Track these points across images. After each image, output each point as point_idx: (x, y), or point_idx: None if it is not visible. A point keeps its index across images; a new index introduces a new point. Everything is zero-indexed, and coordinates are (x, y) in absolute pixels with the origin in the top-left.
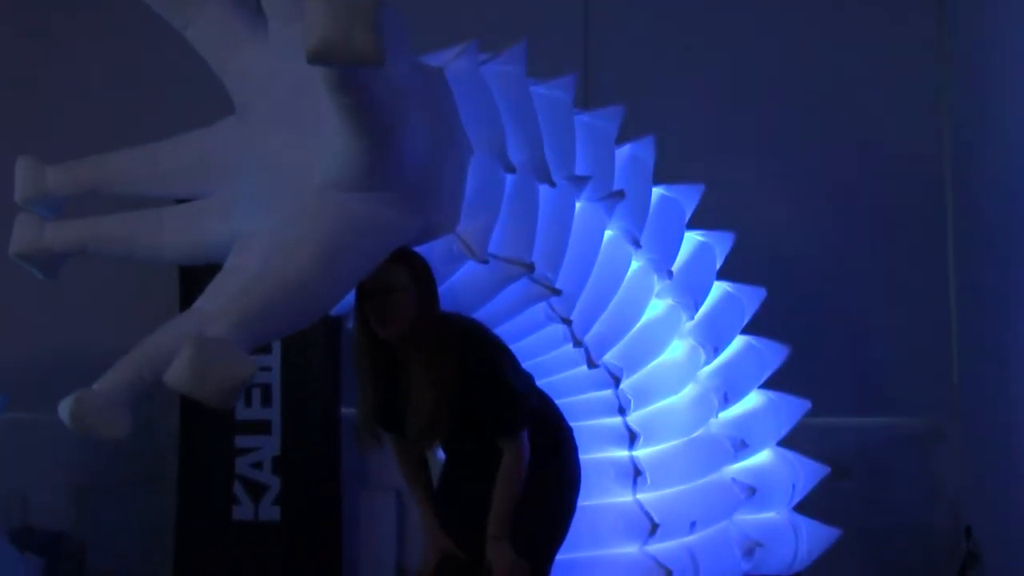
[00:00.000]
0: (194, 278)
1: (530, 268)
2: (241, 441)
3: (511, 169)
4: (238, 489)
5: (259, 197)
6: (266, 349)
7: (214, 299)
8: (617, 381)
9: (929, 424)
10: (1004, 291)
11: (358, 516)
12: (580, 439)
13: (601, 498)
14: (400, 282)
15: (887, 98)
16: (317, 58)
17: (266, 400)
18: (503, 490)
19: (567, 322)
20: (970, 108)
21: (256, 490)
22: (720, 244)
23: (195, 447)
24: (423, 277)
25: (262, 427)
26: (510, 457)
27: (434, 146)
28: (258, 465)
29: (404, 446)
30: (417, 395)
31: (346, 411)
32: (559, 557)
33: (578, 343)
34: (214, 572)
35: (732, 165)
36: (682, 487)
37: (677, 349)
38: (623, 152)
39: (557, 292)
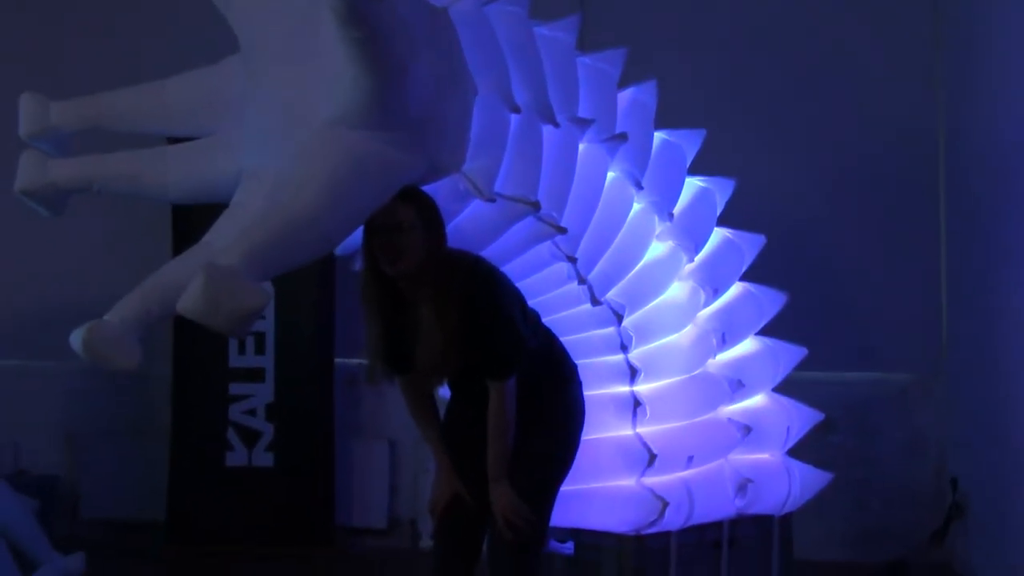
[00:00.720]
0: (187, 231)
1: (536, 206)
2: (235, 388)
3: (516, 109)
4: (231, 436)
5: (265, 134)
6: None
7: (223, 234)
8: (619, 318)
9: (916, 379)
10: (993, 250)
11: (351, 464)
12: (583, 376)
13: (602, 432)
14: (408, 220)
15: (887, 60)
16: None
17: (260, 348)
18: (493, 432)
19: (572, 260)
20: (963, 74)
21: (249, 437)
22: (721, 190)
23: (188, 394)
24: (430, 215)
25: (256, 375)
26: (496, 399)
27: (440, 85)
28: (251, 412)
29: (412, 386)
30: (426, 333)
31: (339, 360)
32: (572, 493)
33: (582, 280)
34: (207, 518)
35: (731, 120)
36: (680, 423)
37: (677, 290)
38: (625, 96)
39: (563, 230)
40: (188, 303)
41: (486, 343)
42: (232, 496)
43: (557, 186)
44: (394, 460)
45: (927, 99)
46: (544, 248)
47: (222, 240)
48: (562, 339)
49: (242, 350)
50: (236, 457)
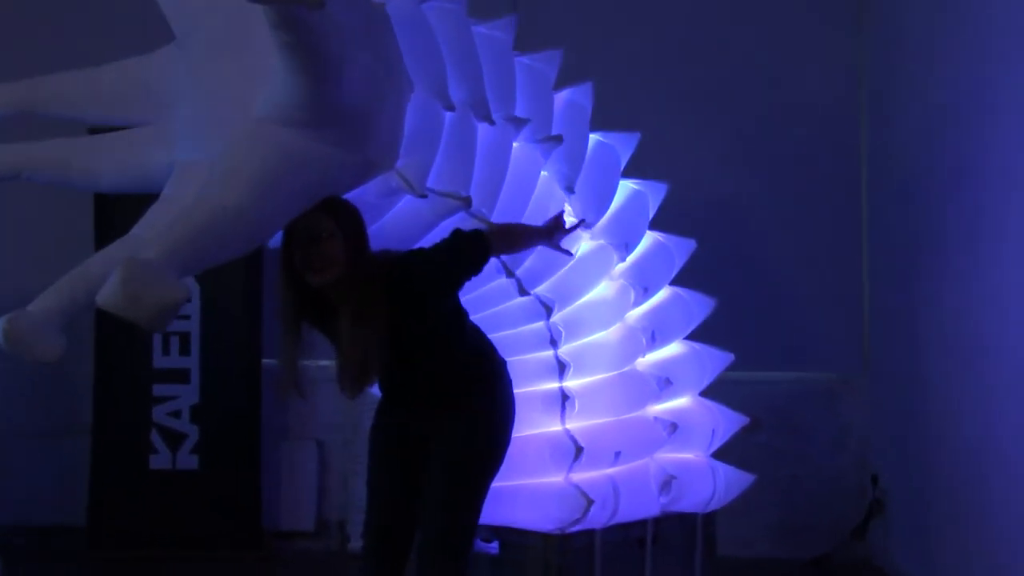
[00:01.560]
0: (110, 223)
1: (467, 202)
2: (159, 390)
3: (451, 107)
4: (155, 438)
5: (198, 127)
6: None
7: (151, 226)
8: (549, 311)
9: (838, 378)
10: (914, 249)
11: (278, 466)
12: (513, 373)
13: (530, 429)
14: (327, 228)
15: (809, 62)
16: None
17: (185, 349)
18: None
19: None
20: (885, 75)
21: (174, 439)
22: (654, 193)
23: (111, 395)
24: (350, 221)
25: (180, 376)
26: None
27: (375, 83)
28: (176, 414)
29: None
30: (348, 339)
31: (267, 361)
32: (500, 489)
33: (511, 274)
34: (130, 522)
35: (658, 120)
36: (608, 419)
37: (608, 288)
38: (561, 97)
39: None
40: (107, 296)
41: (435, 260)
42: (156, 500)
43: (489, 183)
44: (323, 461)
45: (849, 102)
46: None
47: (150, 232)
48: (492, 336)
49: (166, 350)
50: (160, 460)
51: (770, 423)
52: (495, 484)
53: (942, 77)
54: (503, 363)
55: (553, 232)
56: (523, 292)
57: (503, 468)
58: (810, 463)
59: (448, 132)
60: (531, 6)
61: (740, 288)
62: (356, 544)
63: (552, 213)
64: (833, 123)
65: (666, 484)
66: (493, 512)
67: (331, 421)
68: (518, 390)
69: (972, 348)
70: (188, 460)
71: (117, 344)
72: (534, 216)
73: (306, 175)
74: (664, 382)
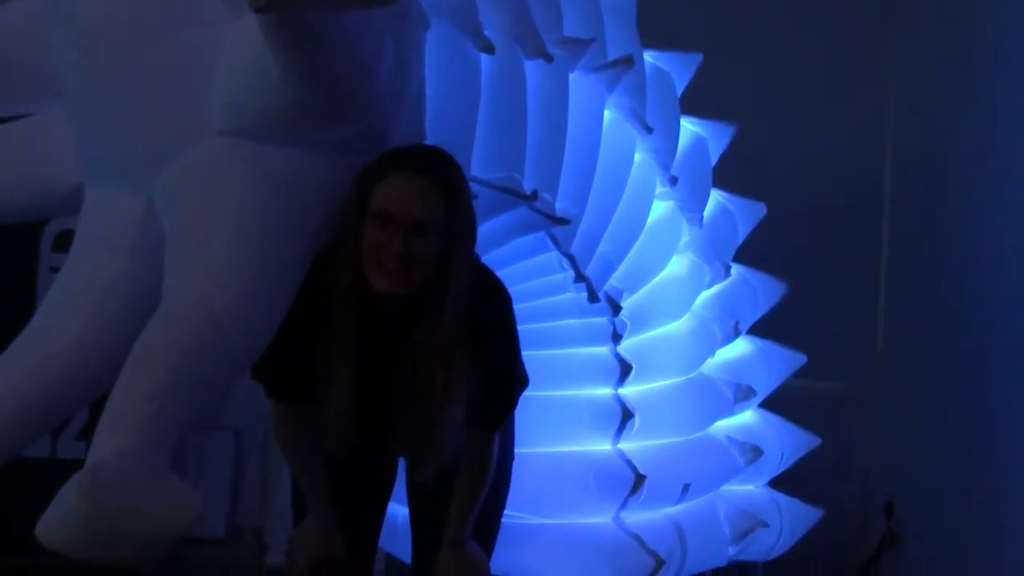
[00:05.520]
0: None
1: (531, 198)
2: None
3: (489, 47)
4: None
5: (116, 147)
6: None
7: (67, 313)
8: (617, 309)
9: (847, 388)
10: (934, 259)
11: (184, 460)
12: (550, 368)
13: (567, 445)
14: (437, 217)
15: (830, 77)
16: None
17: None
18: (471, 487)
19: (570, 257)
20: (912, 88)
21: None
22: (716, 139)
23: None
24: (467, 223)
25: None
26: (484, 450)
27: (399, 56)
28: None
29: (299, 416)
30: (406, 379)
31: None
32: (519, 527)
33: (581, 277)
34: (2, 523)
35: None
36: (670, 440)
37: (679, 265)
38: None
39: (564, 222)
40: (59, 534)
41: (493, 381)
42: (33, 496)
43: (549, 153)
44: (240, 455)
45: (876, 107)
46: (528, 239)
47: (66, 323)
48: (527, 327)
49: None
50: (37, 447)
51: None
52: (520, 519)
53: (968, 93)
54: None
55: None
56: (593, 297)
57: (524, 497)
58: (810, 485)
59: (487, 86)
60: None
61: None
62: (274, 558)
63: (624, 173)
64: (857, 125)
65: (745, 533)
66: (507, 558)
67: (252, 408)
68: (556, 392)
69: (996, 364)
70: (72, 448)
71: None
72: (604, 182)
73: (315, 207)
74: (744, 391)
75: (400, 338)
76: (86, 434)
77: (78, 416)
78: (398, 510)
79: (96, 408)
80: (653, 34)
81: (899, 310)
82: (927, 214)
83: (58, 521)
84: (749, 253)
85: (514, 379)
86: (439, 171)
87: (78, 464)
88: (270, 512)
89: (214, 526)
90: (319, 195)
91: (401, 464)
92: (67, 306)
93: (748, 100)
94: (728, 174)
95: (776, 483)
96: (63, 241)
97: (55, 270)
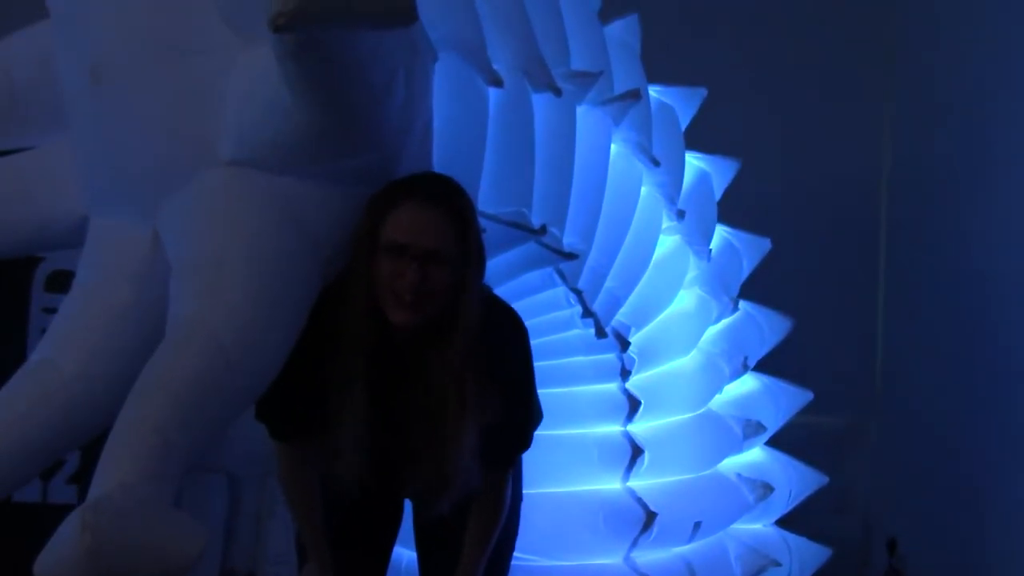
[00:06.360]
0: None
1: (540, 232)
2: None
3: (497, 81)
4: None
5: (122, 176)
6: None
7: (72, 347)
8: (625, 345)
9: (846, 423)
10: (933, 290)
11: (177, 503)
12: (560, 407)
13: (575, 485)
14: (450, 246)
15: (832, 118)
16: (303, 20)
17: None
18: (489, 532)
19: (578, 292)
20: (908, 133)
21: None
22: (720, 174)
23: None
24: (476, 250)
25: None
26: (498, 491)
27: (411, 87)
28: None
29: (300, 458)
30: (421, 416)
31: None
32: (528, 569)
33: (588, 313)
34: None
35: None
36: (679, 476)
37: (686, 300)
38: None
39: (572, 256)
40: (59, 570)
41: (508, 412)
42: (23, 540)
43: (557, 185)
44: (235, 498)
45: (872, 141)
46: (535, 274)
47: (71, 355)
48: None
49: None
50: (28, 492)
51: None
52: (520, 560)
53: (964, 115)
54: None
55: None
56: (600, 333)
57: (533, 539)
58: (812, 522)
59: (494, 118)
60: None
61: None
62: None
63: (631, 206)
64: (854, 158)
65: (759, 569)
66: None
67: (247, 450)
68: (562, 431)
69: (996, 398)
70: (64, 492)
71: None
72: (611, 215)
73: (325, 238)
74: (753, 427)
75: (411, 368)
76: (78, 478)
77: (70, 459)
78: (403, 553)
79: (88, 452)
80: (656, 69)
81: (898, 345)
82: (924, 250)
83: (58, 556)
84: (746, 289)
85: (529, 412)
86: (448, 199)
87: (69, 509)
88: (263, 557)
89: (209, 567)
90: (329, 225)
91: (407, 508)
92: (71, 338)
93: (736, 136)
94: (722, 210)
95: (777, 520)
96: (55, 281)
97: (48, 311)
